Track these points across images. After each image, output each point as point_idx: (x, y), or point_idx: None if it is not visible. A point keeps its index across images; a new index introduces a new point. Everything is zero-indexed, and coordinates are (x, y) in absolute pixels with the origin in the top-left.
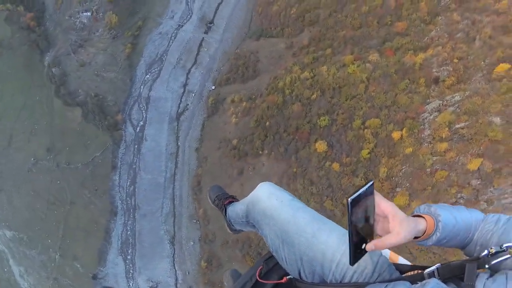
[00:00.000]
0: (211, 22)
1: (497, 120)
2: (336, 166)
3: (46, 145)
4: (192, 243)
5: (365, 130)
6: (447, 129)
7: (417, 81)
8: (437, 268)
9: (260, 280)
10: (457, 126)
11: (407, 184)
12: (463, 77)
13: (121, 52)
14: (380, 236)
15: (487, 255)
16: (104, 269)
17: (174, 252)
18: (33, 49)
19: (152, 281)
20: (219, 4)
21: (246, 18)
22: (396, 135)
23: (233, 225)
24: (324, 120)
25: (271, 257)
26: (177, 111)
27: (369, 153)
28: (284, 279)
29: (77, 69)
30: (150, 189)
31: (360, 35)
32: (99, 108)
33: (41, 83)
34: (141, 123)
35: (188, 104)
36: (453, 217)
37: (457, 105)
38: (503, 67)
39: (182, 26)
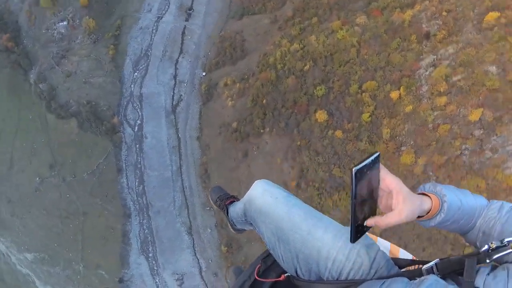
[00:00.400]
0: (190, 8)
1: (493, 69)
2: (339, 133)
3: (48, 162)
4: (209, 230)
5: (363, 94)
6: (444, 83)
7: (408, 38)
8: (435, 263)
9: (258, 279)
10: (454, 79)
11: (412, 142)
12: (453, 29)
13: (105, 55)
14: (384, 214)
15: (487, 250)
16: (129, 271)
17: (194, 242)
18: (16, 70)
19: (177, 274)
20: None
21: (225, 0)
22: (394, 95)
23: (235, 225)
24: (321, 89)
25: (269, 255)
26: (172, 103)
27: (370, 116)
28: (282, 277)
29: (64, 80)
30: (159, 185)
31: None
32: (94, 115)
33: (31, 101)
34: (138, 122)
35: (181, 95)
36: (459, 199)
37: (451, 58)
38: (492, 15)
39: (162, 17)
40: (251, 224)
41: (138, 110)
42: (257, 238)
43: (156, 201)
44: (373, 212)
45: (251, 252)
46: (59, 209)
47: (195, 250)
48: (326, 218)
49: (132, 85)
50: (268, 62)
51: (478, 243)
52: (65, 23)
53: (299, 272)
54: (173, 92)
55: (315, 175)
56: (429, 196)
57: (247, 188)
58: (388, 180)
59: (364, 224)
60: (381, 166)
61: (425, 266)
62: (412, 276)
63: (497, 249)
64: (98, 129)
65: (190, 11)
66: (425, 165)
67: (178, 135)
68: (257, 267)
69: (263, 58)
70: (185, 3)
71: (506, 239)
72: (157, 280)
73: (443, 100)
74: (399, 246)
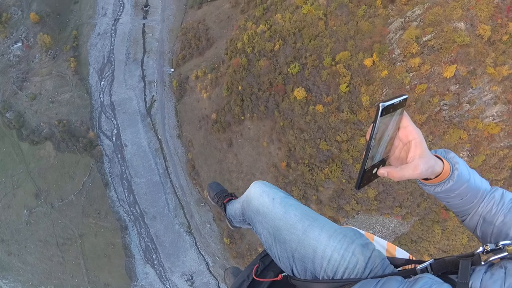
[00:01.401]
0: (146, 5)
1: (461, 25)
2: (319, 107)
3: (32, 192)
4: (208, 225)
5: (337, 66)
6: (415, 44)
7: (373, 4)
8: (430, 263)
9: (257, 279)
10: (424, 39)
11: None
12: None
13: (67, 69)
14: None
15: (482, 252)
16: (138, 283)
17: (195, 240)
18: None
19: (186, 275)
20: None
21: None
22: (368, 62)
23: (233, 222)
24: (295, 67)
25: (267, 254)
26: (146, 106)
27: (347, 86)
28: (280, 277)
29: (30, 104)
30: (149, 191)
31: None
32: (68, 133)
33: (1, 133)
34: (115, 131)
35: (154, 95)
36: (468, 173)
37: (419, 19)
38: None
39: (119, 19)
40: (249, 223)
41: (112, 119)
42: None
43: (150, 207)
44: (383, 162)
45: (254, 239)
46: (54, 237)
47: (198, 248)
48: (322, 218)
49: (101, 95)
50: (236, 47)
51: (478, 230)
52: (19, 44)
53: (295, 271)
54: (145, 94)
55: (303, 152)
56: (441, 160)
57: (238, 177)
58: (409, 129)
59: (374, 172)
60: (405, 113)
61: (419, 266)
62: (407, 275)
63: (492, 251)
64: (75, 147)
65: (147, 8)
66: None
67: (158, 136)
68: (255, 267)
69: (230, 44)
70: (140, 1)
71: (502, 242)
72: (167, 286)
73: (416, 61)
74: (394, 206)
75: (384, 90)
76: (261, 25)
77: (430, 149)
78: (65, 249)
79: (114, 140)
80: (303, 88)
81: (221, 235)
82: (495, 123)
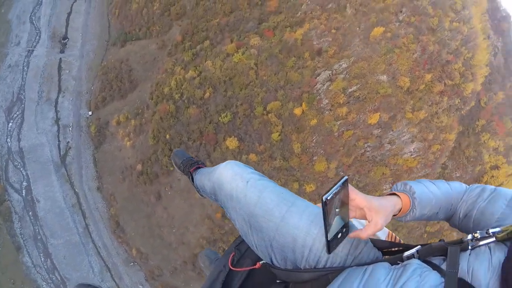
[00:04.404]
0: (65, 37)
1: (383, 78)
2: (253, 156)
3: None
4: (141, 286)
5: (269, 115)
6: (342, 95)
7: (302, 56)
8: (417, 250)
9: (233, 268)
10: (350, 90)
11: (322, 151)
12: (343, 44)
13: None
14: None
15: (471, 239)
16: None
17: None
18: None
19: None
20: (69, 14)
21: (103, 24)
22: (297, 111)
23: (201, 193)
24: (226, 116)
25: (243, 241)
26: (60, 154)
27: (279, 135)
28: (258, 265)
29: None
30: (69, 254)
31: (234, 20)
32: None
33: None
34: (25, 183)
35: (69, 142)
36: (430, 191)
37: (345, 72)
38: (378, 30)
39: (33, 50)
40: (222, 206)
41: (21, 169)
42: (195, 277)
43: (72, 272)
44: (345, 226)
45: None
46: None
47: None
48: (300, 201)
49: (9, 139)
50: (163, 92)
51: (461, 226)
52: None
53: (274, 260)
54: (59, 140)
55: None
56: (399, 196)
57: (170, 232)
58: (358, 201)
59: (339, 236)
60: (350, 188)
61: (406, 253)
62: (394, 261)
63: (481, 239)
64: None
65: (65, 41)
66: (336, 168)
67: (75, 190)
68: (231, 255)
69: (156, 88)
70: (59, 31)
71: (491, 230)
72: None
73: (343, 110)
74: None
75: (314, 137)
76: (190, 71)
77: (360, 188)
78: None
79: (24, 194)
80: (235, 138)
81: None
82: (413, 157)
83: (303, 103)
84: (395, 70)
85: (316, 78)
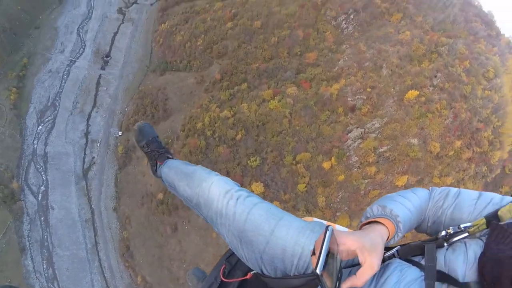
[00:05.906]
0: (108, 55)
1: (414, 141)
2: (276, 204)
3: None
4: None
5: (298, 165)
6: (372, 154)
7: (336, 110)
8: (397, 250)
9: (225, 280)
10: (380, 150)
11: (346, 208)
12: (377, 104)
13: (6, 99)
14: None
15: (445, 236)
16: None
17: None
18: None
19: None
20: (115, 34)
21: (146, 50)
22: (326, 165)
23: (165, 184)
24: (255, 160)
25: (233, 253)
26: (83, 167)
27: (305, 186)
28: (249, 275)
29: None
30: (72, 267)
31: (273, 67)
32: None
33: None
34: (43, 188)
35: (94, 157)
36: (407, 209)
37: (377, 131)
38: (412, 93)
39: (75, 61)
40: (208, 221)
41: (42, 173)
42: None
43: (71, 286)
44: (340, 272)
45: None
46: None
47: None
48: (287, 215)
49: (36, 141)
50: (195, 126)
51: (429, 231)
52: None
53: (264, 271)
54: (84, 153)
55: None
56: (382, 223)
57: (180, 266)
58: (349, 244)
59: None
60: (337, 234)
61: (387, 254)
62: None
63: (454, 234)
64: None
65: (108, 59)
66: (357, 227)
67: (91, 205)
68: (222, 267)
69: (189, 121)
70: (103, 48)
71: (462, 225)
72: None
73: (372, 169)
74: None
75: (340, 193)
76: (225, 110)
77: None
78: None
79: (39, 199)
80: (261, 183)
81: None
82: None
83: (332, 157)
84: (426, 134)
85: (347, 134)
